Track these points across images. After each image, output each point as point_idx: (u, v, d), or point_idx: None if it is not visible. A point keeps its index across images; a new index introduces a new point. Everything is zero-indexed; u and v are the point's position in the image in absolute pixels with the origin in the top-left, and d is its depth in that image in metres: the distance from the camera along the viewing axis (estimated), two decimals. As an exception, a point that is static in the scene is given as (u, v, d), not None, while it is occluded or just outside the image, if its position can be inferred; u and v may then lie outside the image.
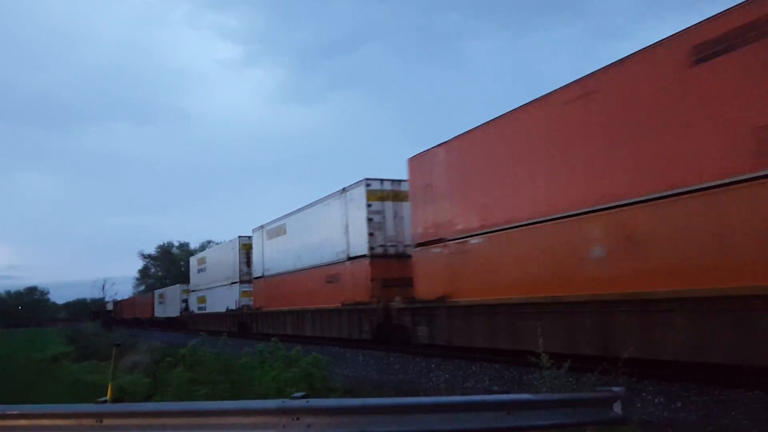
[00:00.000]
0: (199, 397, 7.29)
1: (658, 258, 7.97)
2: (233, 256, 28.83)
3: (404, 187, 15.74)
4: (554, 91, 9.94)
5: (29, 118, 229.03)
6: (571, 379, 6.29)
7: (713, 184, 7.27)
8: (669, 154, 7.88)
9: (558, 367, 6.10)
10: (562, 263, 9.57)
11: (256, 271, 25.57)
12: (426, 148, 13.45)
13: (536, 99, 10.34)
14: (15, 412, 4.94)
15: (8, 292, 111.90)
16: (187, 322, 37.76)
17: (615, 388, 4.49)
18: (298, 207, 21.51)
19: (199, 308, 34.85)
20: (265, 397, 6.76)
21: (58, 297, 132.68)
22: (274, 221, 23.73)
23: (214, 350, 8.72)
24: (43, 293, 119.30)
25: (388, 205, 16.62)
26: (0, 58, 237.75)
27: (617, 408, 4.38)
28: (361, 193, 16.66)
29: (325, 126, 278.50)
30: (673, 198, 7.76)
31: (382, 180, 16.77)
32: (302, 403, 4.28)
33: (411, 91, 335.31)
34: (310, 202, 20.37)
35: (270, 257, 23.89)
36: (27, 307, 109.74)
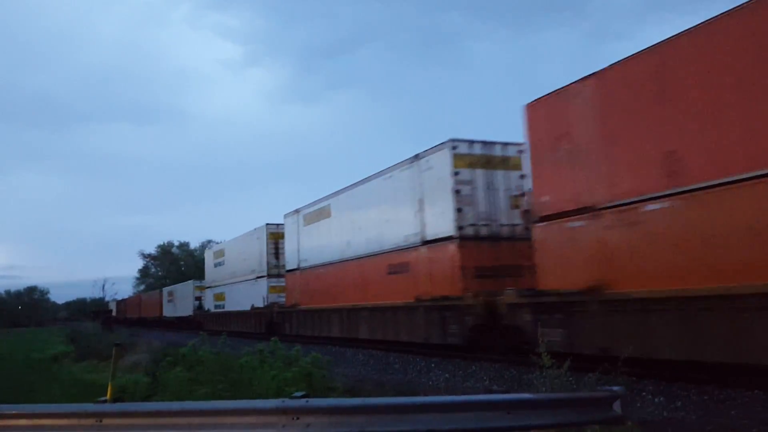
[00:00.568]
0: (198, 396, 7.29)
1: None
2: (259, 247, 25.61)
3: (497, 151, 13.29)
4: None
5: (29, 118, 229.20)
6: (571, 378, 6.29)
7: None
8: None
9: (558, 366, 6.10)
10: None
11: (290, 262, 22.35)
12: (542, 95, 10.34)
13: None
14: (15, 412, 4.95)
15: (8, 292, 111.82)
16: (202, 322, 33.60)
17: (614, 388, 4.49)
18: (337, 189, 18.43)
19: (217, 306, 31.90)
20: (265, 396, 6.75)
21: (58, 297, 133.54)
22: (314, 203, 20.40)
23: (213, 350, 8.73)
24: (43, 293, 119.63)
25: (479, 174, 13.11)
26: (0, 58, 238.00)
27: (617, 407, 4.38)
28: (444, 158, 13.19)
29: (325, 126, 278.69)
30: None
31: (471, 141, 13.30)
32: (302, 402, 4.27)
33: (411, 91, 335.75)
34: (360, 179, 16.96)
35: (308, 246, 20.65)
36: (27, 307, 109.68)
